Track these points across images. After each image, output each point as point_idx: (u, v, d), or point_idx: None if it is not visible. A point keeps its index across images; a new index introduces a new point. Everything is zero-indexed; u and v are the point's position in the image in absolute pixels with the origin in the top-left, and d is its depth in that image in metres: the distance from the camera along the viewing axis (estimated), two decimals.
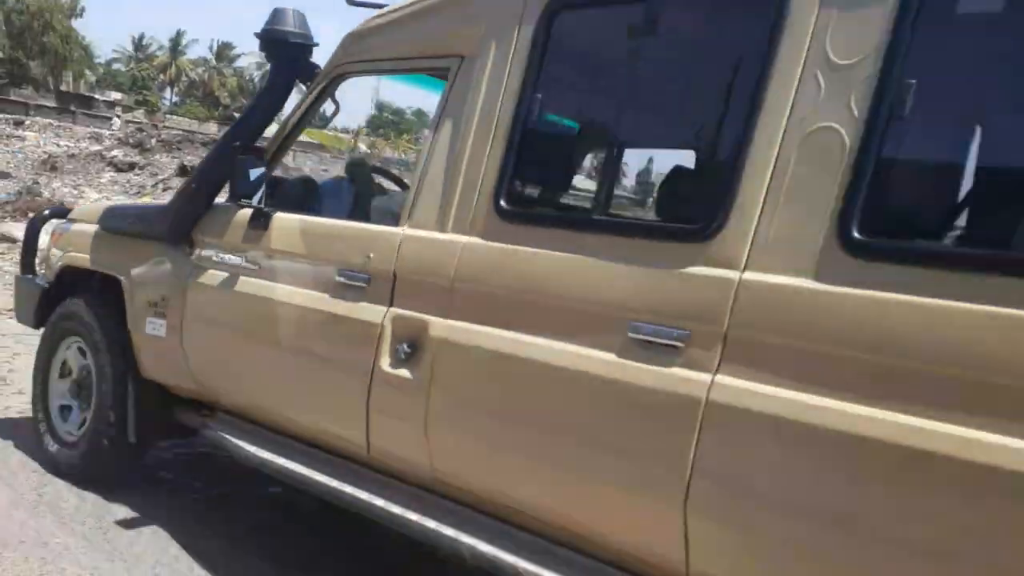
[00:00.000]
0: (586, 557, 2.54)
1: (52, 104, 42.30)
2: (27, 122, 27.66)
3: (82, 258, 4.38)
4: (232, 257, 3.62)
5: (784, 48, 2.21)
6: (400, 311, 2.95)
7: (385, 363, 2.94)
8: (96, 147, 19.03)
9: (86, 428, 4.23)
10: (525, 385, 2.59)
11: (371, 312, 3.02)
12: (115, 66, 73.48)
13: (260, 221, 3.52)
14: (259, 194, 3.47)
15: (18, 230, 10.15)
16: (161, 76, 70.84)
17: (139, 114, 46.50)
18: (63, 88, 53.58)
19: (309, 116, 3.69)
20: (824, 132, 2.12)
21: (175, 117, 49.89)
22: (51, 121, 29.71)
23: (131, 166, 16.43)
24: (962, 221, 2.39)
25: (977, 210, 2.32)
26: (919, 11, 2.00)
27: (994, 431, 1.78)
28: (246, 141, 3.70)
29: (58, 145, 21.24)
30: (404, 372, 2.88)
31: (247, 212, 3.54)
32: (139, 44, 72.57)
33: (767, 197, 2.19)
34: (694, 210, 2.44)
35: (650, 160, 2.88)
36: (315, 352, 3.25)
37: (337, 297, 3.16)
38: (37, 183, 15.01)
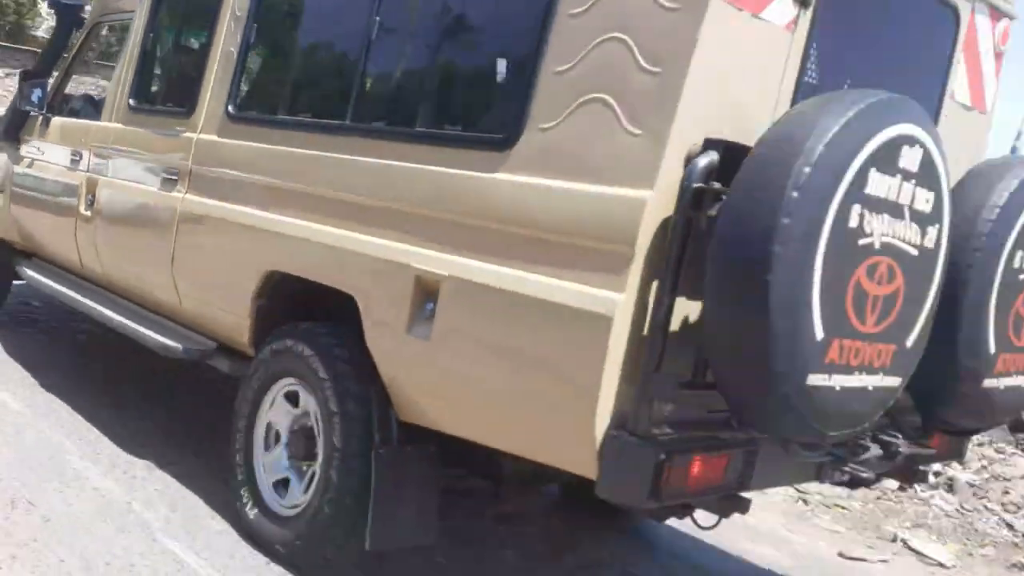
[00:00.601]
0: (165, 318, 4.30)
1: None
2: None
3: None
4: (31, 148, 5.45)
5: (221, 11, 3.91)
6: (90, 175, 4.73)
7: (82, 208, 4.73)
8: None
9: None
10: (125, 210, 4.37)
11: (78, 177, 4.81)
12: None
13: (45, 124, 5.33)
14: (42, 106, 5.28)
15: None
16: None
17: None
18: None
19: (81, 55, 5.48)
20: (228, 53, 3.82)
21: None
22: None
23: None
24: (275, 102, 4.03)
25: (279, 95, 3.98)
26: None
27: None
28: (38, 73, 5.52)
29: None
30: (88, 213, 4.67)
31: (36, 118, 5.36)
32: None
33: (211, 93, 3.90)
34: (184, 101, 4.14)
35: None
36: (58, 206, 5.06)
37: (69, 169, 4.96)
38: None
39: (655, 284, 2.21)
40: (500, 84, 2.71)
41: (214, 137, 3.83)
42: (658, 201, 2.21)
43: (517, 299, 2.45)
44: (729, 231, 2.11)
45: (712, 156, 2.19)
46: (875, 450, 2.75)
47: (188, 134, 3.97)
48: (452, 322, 2.67)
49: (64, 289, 4.83)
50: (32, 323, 6.12)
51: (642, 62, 2.29)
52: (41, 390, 4.69)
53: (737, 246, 2.09)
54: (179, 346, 3.92)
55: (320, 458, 3.14)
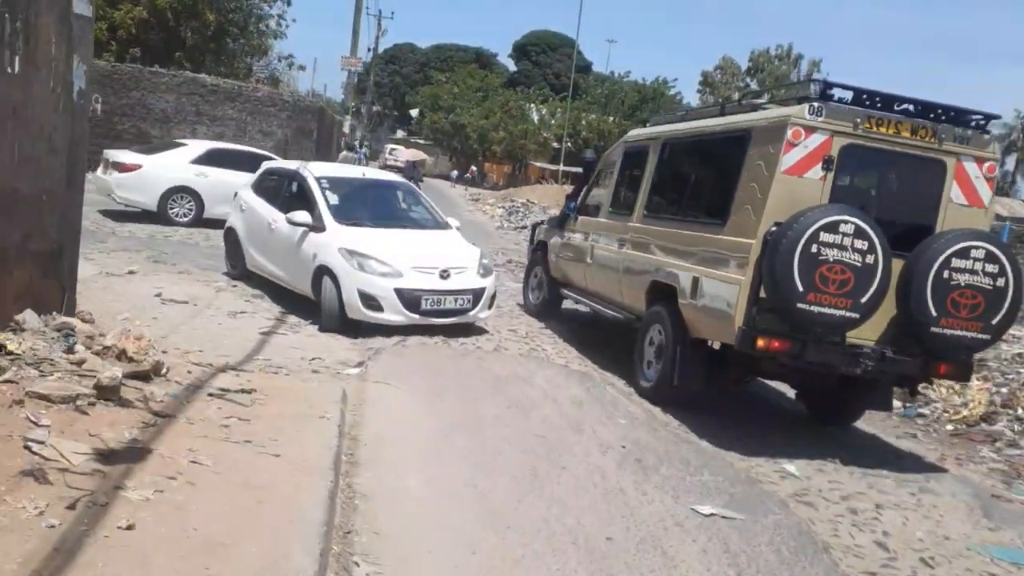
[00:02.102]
0: (616, 306, 9.19)
1: None
2: None
3: (540, 237, 11.91)
4: (566, 232, 10.74)
5: (645, 171, 8.76)
6: (591, 243, 9.75)
7: (588, 259, 9.76)
8: None
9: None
10: (602, 259, 9.26)
11: (587, 244, 9.85)
12: None
13: (575, 220, 10.58)
14: (574, 210, 10.58)
15: None
16: None
17: None
18: None
19: (592, 184, 10.67)
20: (645, 187, 8.63)
21: None
22: None
23: None
24: (653, 208, 8.46)
25: (655, 204, 8.44)
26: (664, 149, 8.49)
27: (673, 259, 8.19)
28: (573, 195, 10.89)
29: None
30: (590, 261, 9.70)
31: (571, 216, 10.65)
32: None
33: (640, 204, 8.68)
34: (628, 208, 8.92)
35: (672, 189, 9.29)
36: (578, 259, 10.15)
37: (583, 241, 10.07)
38: None
39: (752, 272, 6.39)
40: (723, 200, 7.01)
41: (638, 224, 8.60)
42: (757, 243, 6.40)
43: (717, 281, 6.82)
44: (768, 251, 6.23)
45: (775, 228, 6.31)
46: (874, 353, 6.45)
47: (629, 223, 8.78)
48: (702, 292, 7.06)
49: (578, 297, 10.01)
50: (565, 317, 11.47)
51: (758, 194, 6.53)
52: (567, 338, 9.89)
53: (769, 255, 6.20)
54: (622, 317, 8.73)
55: (663, 351, 7.64)
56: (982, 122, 6.63)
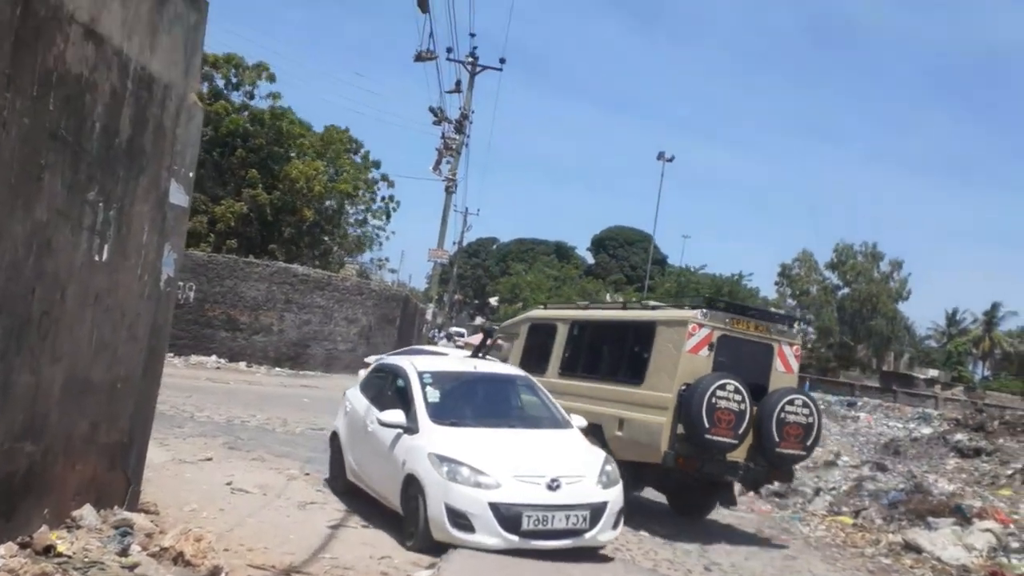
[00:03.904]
0: None
1: (874, 384, 31.10)
2: (859, 403, 20.60)
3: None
4: None
5: (555, 342, 7.74)
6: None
7: None
8: (926, 428, 12.55)
9: None
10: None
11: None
12: (926, 343, 48.40)
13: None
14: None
15: (923, 537, 6.64)
16: (974, 350, 45.27)
17: (958, 391, 30.97)
18: (884, 368, 39.07)
19: (489, 347, 8.84)
20: (557, 352, 7.56)
21: (992, 392, 32.03)
22: (879, 401, 22.12)
23: (977, 452, 9.86)
24: (568, 368, 7.36)
25: (575, 362, 7.37)
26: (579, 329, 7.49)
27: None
28: (474, 353, 8.68)
29: (887, 426, 15.04)
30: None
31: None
32: (952, 319, 46.55)
33: (552, 365, 7.40)
34: (542, 367, 7.54)
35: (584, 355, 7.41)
36: None
37: None
38: (913, 474, 8.96)
39: (672, 415, 5.72)
40: (638, 366, 6.39)
41: (554, 380, 7.18)
42: (672, 396, 5.73)
43: (639, 422, 6.02)
44: (684, 401, 5.63)
45: (683, 388, 5.70)
46: (743, 466, 6.12)
47: (545, 379, 7.06)
48: (625, 430, 6.17)
49: None
50: None
51: (669, 364, 5.96)
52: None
53: (685, 404, 5.58)
54: None
55: None
56: (791, 323, 7.17)
